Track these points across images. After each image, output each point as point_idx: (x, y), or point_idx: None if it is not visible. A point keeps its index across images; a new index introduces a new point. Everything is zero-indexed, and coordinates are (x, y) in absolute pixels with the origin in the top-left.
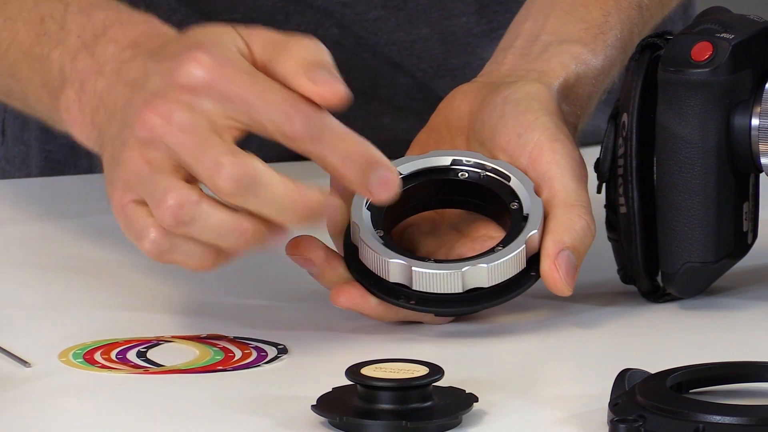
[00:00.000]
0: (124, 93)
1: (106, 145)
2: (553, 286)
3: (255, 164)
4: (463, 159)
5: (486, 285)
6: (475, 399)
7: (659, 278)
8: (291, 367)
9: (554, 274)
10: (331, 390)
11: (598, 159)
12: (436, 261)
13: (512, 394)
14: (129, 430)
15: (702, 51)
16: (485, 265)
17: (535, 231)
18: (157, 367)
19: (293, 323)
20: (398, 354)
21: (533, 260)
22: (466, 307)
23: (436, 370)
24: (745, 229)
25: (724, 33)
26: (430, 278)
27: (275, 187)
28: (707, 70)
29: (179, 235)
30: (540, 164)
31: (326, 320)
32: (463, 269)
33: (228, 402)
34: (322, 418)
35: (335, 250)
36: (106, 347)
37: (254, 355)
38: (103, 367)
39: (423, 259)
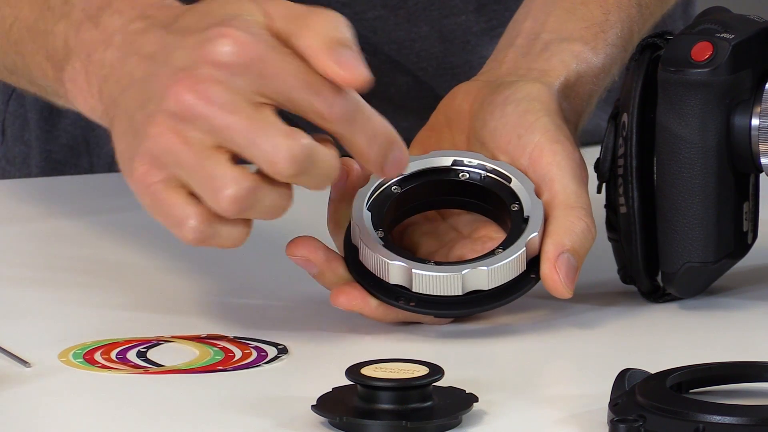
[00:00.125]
0: (141, 65)
1: (119, 116)
2: (553, 288)
3: (308, 141)
4: (464, 160)
5: (486, 288)
6: (475, 399)
7: (659, 278)
8: (291, 367)
9: (554, 276)
10: (331, 390)
11: (598, 159)
12: (437, 263)
13: (512, 394)
14: (129, 430)
15: (702, 51)
16: (485, 268)
17: (536, 233)
18: (157, 367)
19: (293, 323)
20: (398, 354)
21: (533, 262)
22: (465, 310)
23: (436, 370)
24: (745, 229)
25: (724, 33)
26: (430, 280)
27: (329, 161)
28: (707, 70)
29: (224, 220)
30: (540, 166)
31: (326, 320)
32: (463, 272)
33: (228, 402)
34: (322, 418)
35: (335, 250)
36: (106, 347)
37: (254, 355)
38: (103, 367)
39: (423, 261)
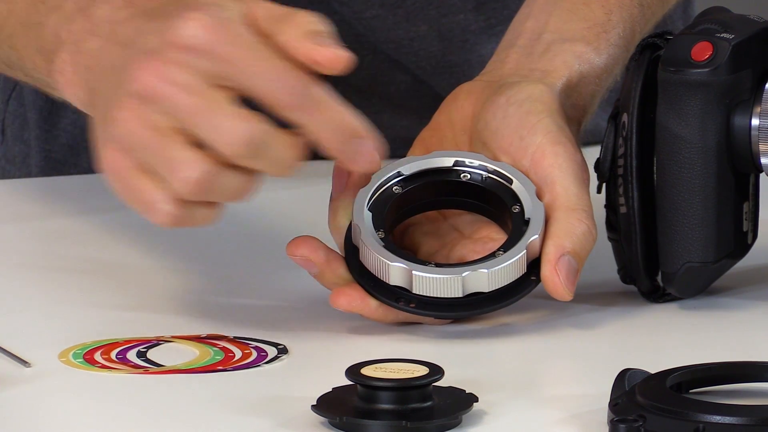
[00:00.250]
0: (117, 52)
1: (97, 104)
2: (554, 291)
3: (264, 126)
4: (466, 160)
5: (486, 290)
6: (475, 399)
7: (659, 278)
8: (291, 367)
9: (555, 279)
10: (331, 390)
11: (598, 159)
12: (437, 265)
13: (512, 394)
14: (129, 430)
15: (702, 51)
16: (486, 270)
17: (536, 236)
18: (157, 367)
19: (293, 323)
20: (398, 354)
21: (534, 264)
22: (465, 312)
23: (436, 370)
24: (745, 229)
25: (724, 33)
26: (431, 282)
27: (286, 147)
28: (707, 70)
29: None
30: (542, 167)
31: (326, 320)
32: (463, 274)
33: (228, 402)
34: (322, 418)
35: (336, 250)
36: (106, 347)
37: (254, 355)
38: (103, 367)
39: (424, 262)
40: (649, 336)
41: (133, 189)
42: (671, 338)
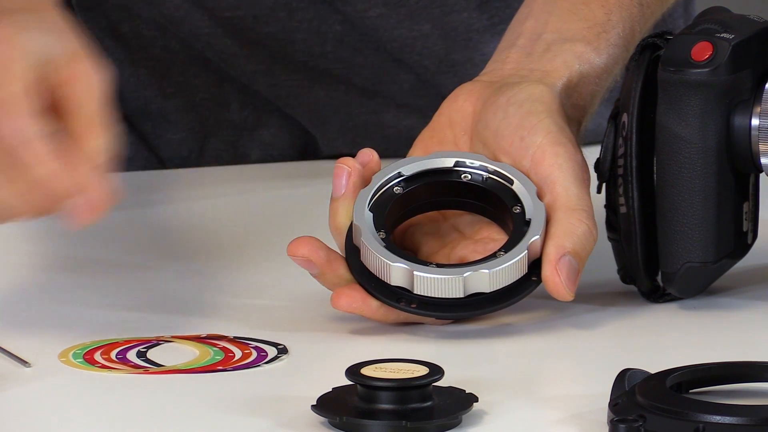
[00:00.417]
0: None
1: None
2: (555, 291)
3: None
4: (467, 161)
5: (487, 290)
6: (475, 399)
7: (659, 278)
8: (291, 367)
9: (555, 279)
10: (331, 390)
11: (598, 159)
12: (438, 265)
13: (512, 394)
14: (129, 430)
15: (702, 51)
16: (487, 271)
17: (537, 236)
18: (157, 367)
19: (293, 323)
20: (398, 354)
21: (535, 265)
22: (466, 312)
23: (436, 370)
24: (745, 229)
25: (724, 33)
26: (432, 283)
27: (44, 175)
28: (707, 70)
29: None
30: (542, 168)
31: (326, 320)
32: (464, 274)
33: (228, 402)
34: (322, 418)
35: (337, 251)
36: (106, 347)
37: (254, 355)
38: (103, 367)
39: (425, 263)
40: (649, 336)
41: None
42: (671, 338)
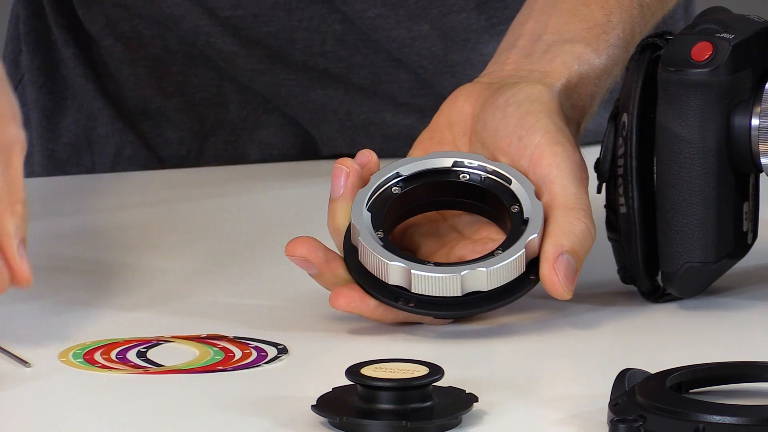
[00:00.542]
0: None
1: None
2: (553, 290)
3: None
4: (465, 161)
5: (485, 289)
6: (475, 399)
7: (659, 278)
8: (291, 367)
9: (553, 278)
10: (331, 390)
11: (598, 159)
12: (436, 264)
13: (512, 394)
14: (129, 430)
15: (702, 51)
16: (484, 269)
17: (535, 235)
18: (157, 367)
19: (293, 323)
20: (398, 354)
21: (533, 264)
22: (464, 311)
23: (436, 370)
24: (745, 229)
25: (724, 33)
26: (429, 281)
27: None
28: (707, 70)
29: None
30: (540, 167)
31: (326, 320)
32: (462, 273)
33: (228, 402)
34: (322, 418)
35: (335, 250)
36: (106, 347)
37: (254, 355)
38: (103, 367)
39: (422, 261)
40: (649, 336)
41: None
42: (671, 338)
